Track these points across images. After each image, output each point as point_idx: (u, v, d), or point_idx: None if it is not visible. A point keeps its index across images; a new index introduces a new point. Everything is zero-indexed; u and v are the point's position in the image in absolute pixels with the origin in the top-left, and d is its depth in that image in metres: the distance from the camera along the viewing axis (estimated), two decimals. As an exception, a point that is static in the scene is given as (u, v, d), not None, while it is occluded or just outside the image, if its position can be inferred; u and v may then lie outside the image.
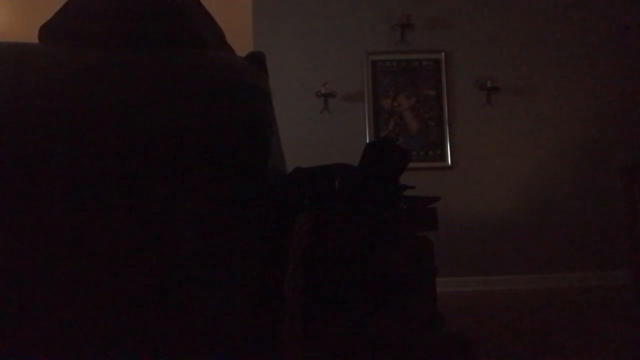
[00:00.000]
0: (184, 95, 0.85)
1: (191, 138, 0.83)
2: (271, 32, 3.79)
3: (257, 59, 1.04)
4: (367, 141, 3.66)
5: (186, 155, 0.83)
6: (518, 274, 3.58)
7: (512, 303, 2.98)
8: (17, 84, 0.82)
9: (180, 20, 0.98)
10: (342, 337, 0.86)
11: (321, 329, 0.85)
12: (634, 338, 2.03)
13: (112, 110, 0.82)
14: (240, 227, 0.85)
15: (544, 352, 1.84)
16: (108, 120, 0.82)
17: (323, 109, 3.69)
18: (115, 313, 0.80)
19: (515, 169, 3.70)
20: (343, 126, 3.71)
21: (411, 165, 1.20)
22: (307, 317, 0.83)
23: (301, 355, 0.82)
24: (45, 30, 1.00)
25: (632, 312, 2.57)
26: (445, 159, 3.70)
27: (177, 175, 0.83)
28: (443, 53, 3.78)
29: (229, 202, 0.85)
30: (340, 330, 0.86)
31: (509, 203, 3.68)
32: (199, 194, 0.83)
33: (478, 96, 3.74)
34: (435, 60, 3.78)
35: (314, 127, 3.70)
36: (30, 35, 1.07)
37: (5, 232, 0.79)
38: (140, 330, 0.80)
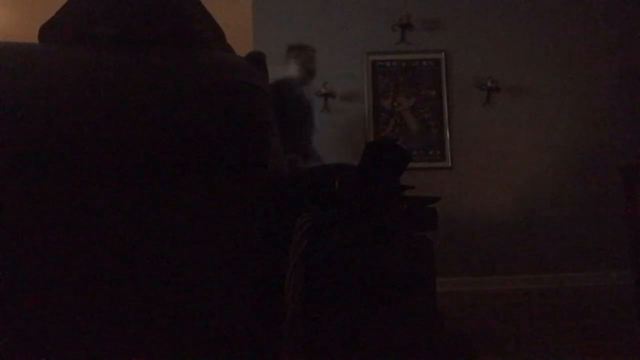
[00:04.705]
0: (184, 95, 0.85)
1: (191, 138, 0.83)
2: (271, 32, 3.79)
3: (257, 59, 1.03)
4: (367, 141, 3.66)
5: (186, 155, 0.83)
6: (518, 274, 3.58)
7: (512, 303, 2.98)
8: (17, 84, 0.82)
9: (180, 20, 0.98)
10: (342, 337, 0.85)
11: (321, 329, 0.85)
12: (634, 338, 2.03)
13: (111, 110, 0.82)
14: (240, 226, 0.85)
15: (543, 352, 1.84)
16: (108, 120, 0.82)
17: (323, 108, 3.69)
18: (115, 312, 0.80)
19: (515, 169, 3.70)
20: (343, 126, 3.70)
21: (411, 165, 1.20)
22: (307, 317, 0.83)
23: (301, 355, 0.82)
24: (45, 30, 1.00)
25: (633, 312, 2.56)
26: (445, 159, 3.70)
27: (177, 175, 0.83)
28: (443, 53, 3.77)
29: (229, 202, 0.85)
30: (340, 330, 0.85)
31: (509, 203, 3.67)
32: (199, 193, 0.83)
33: (478, 96, 3.74)
34: (435, 60, 3.78)
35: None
36: (30, 35, 1.07)
37: (6, 231, 0.79)
38: (141, 330, 0.80)
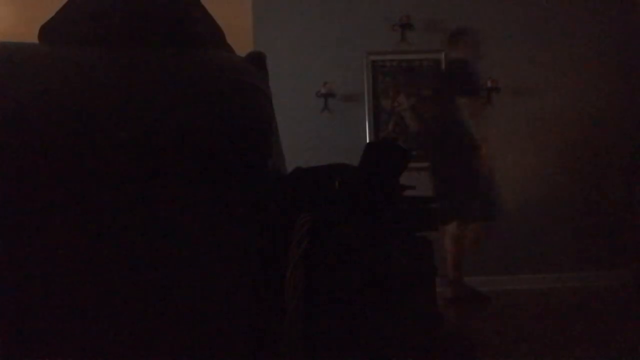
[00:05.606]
0: (184, 95, 0.85)
1: (191, 138, 0.83)
2: (271, 32, 3.79)
3: (257, 59, 1.03)
4: (367, 141, 3.66)
5: (185, 155, 0.83)
6: (518, 274, 3.58)
7: (512, 303, 2.98)
8: (17, 84, 0.82)
9: (180, 20, 0.98)
10: (342, 337, 0.86)
11: (321, 329, 0.85)
12: (634, 338, 2.03)
13: (111, 111, 0.82)
14: (240, 226, 0.85)
15: (543, 352, 1.84)
16: (108, 121, 0.82)
17: (323, 109, 3.69)
18: (114, 312, 0.80)
19: (515, 169, 3.70)
20: (343, 126, 3.70)
21: (411, 165, 1.20)
22: (307, 317, 0.83)
23: (301, 355, 0.82)
24: (45, 30, 1.00)
25: (632, 312, 2.57)
26: (445, 159, 3.70)
27: (177, 175, 0.83)
28: (443, 53, 3.77)
29: (228, 202, 0.85)
30: (340, 330, 0.86)
31: (508, 203, 3.67)
32: (199, 193, 0.83)
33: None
34: (435, 60, 3.78)
35: (314, 127, 3.69)
36: (30, 35, 1.07)
37: (7, 232, 0.79)
38: (140, 330, 0.80)
